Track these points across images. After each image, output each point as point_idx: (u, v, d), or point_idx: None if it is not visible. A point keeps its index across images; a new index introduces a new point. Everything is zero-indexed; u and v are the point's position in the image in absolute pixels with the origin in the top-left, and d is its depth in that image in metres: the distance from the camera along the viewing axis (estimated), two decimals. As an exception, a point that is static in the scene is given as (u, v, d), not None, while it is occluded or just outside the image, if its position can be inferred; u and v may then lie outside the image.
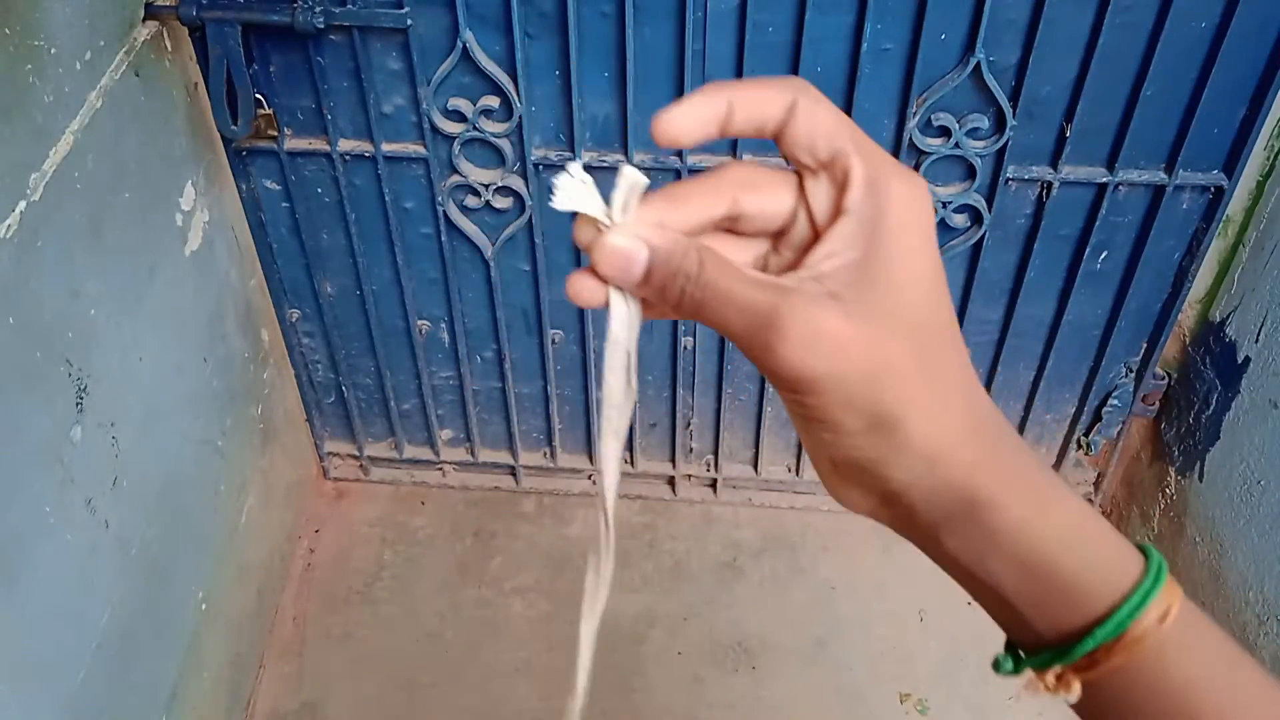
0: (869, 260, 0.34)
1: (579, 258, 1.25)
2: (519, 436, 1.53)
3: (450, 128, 1.16)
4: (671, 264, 0.35)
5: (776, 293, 0.34)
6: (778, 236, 0.38)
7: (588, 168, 1.20)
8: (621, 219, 0.35)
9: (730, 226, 0.37)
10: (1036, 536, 0.34)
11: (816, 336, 0.33)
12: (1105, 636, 0.34)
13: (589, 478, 1.58)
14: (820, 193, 0.36)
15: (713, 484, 1.58)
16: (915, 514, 0.36)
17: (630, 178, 0.35)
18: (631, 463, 1.57)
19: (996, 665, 0.39)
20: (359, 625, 1.45)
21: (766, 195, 0.36)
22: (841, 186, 0.35)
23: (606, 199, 0.35)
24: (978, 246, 1.24)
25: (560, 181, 0.34)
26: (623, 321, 0.36)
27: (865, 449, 0.35)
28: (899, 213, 0.34)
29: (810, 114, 0.36)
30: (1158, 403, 1.44)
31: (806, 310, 0.33)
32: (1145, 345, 1.36)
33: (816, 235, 0.36)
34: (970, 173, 1.17)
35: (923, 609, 1.45)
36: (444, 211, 1.24)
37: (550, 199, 0.34)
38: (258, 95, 1.13)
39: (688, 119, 0.35)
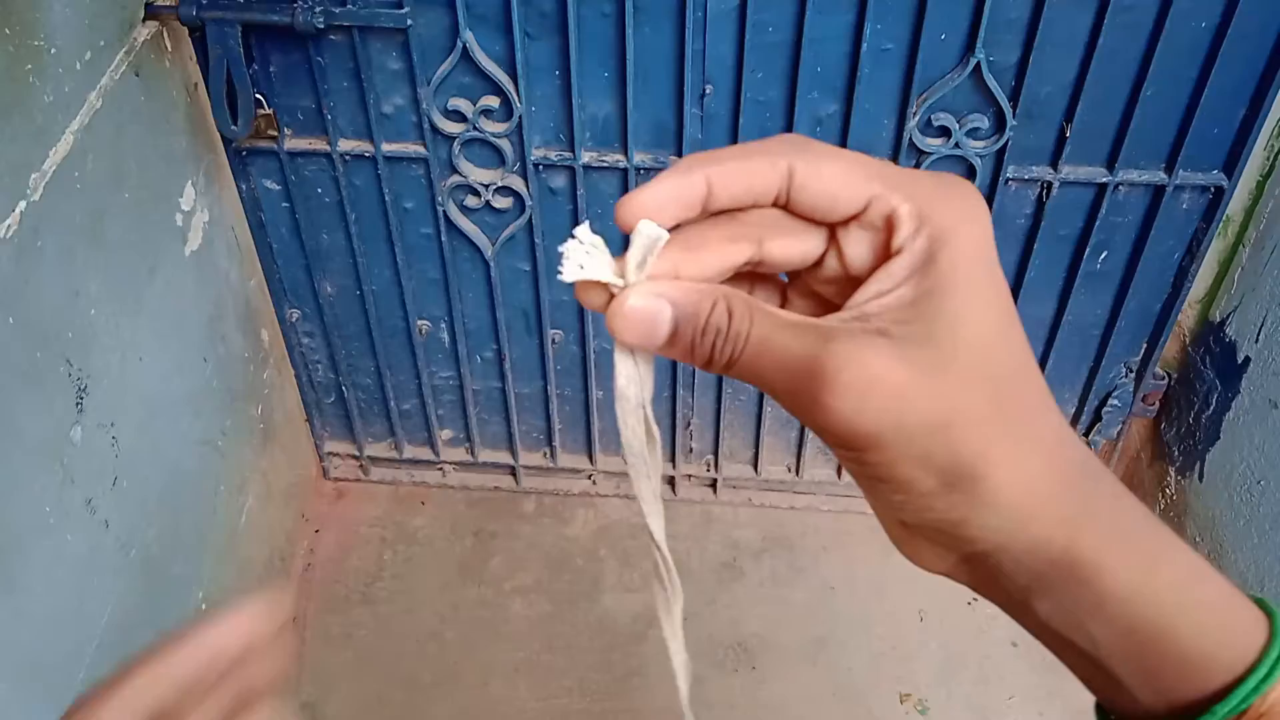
0: (925, 296, 0.30)
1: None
2: (519, 436, 1.53)
3: (450, 128, 1.16)
4: (698, 319, 0.31)
5: (818, 337, 0.30)
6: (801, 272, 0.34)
7: (589, 166, 1.20)
8: (637, 278, 0.31)
9: (750, 270, 0.33)
10: (1145, 601, 0.30)
11: (869, 384, 0.29)
12: (1228, 713, 0.30)
13: (589, 478, 1.58)
14: (856, 241, 0.32)
15: (713, 484, 1.58)
16: (1002, 575, 0.32)
17: (647, 233, 0.31)
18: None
19: None
20: (359, 625, 1.45)
21: (795, 240, 0.32)
22: (886, 230, 0.31)
23: (616, 254, 0.32)
24: (978, 246, 1.24)
25: (568, 248, 0.31)
26: (631, 379, 0.33)
27: (943, 510, 0.30)
28: (958, 243, 0.30)
29: (814, 176, 0.31)
30: (1158, 403, 1.44)
31: (856, 354, 0.29)
32: (1145, 345, 1.36)
33: (850, 275, 0.32)
34: (970, 173, 1.17)
35: (923, 609, 1.45)
36: (444, 211, 1.24)
37: (559, 271, 0.31)
38: (258, 95, 1.13)
39: (656, 202, 0.31)
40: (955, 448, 0.29)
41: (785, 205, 0.32)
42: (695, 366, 0.32)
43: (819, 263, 0.33)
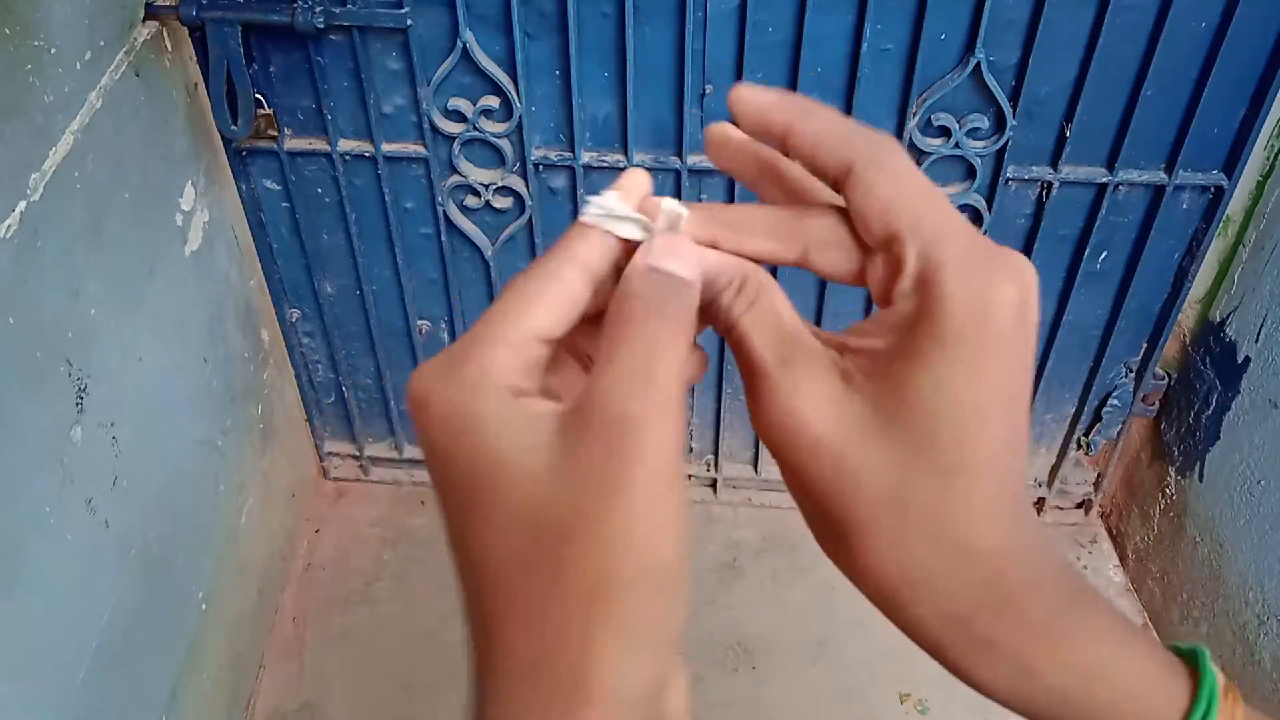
0: (900, 355, 0.30)
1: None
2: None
3: (450, 128, 1.16)
4: (711, 289, 0.32)
5: (782, 358, 0.31)
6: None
7: (589, 166, 1.20)
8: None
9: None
10: (1026, 700, 0.31)
11: (795, 426, 0.30)
12: None
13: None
14: (875, 272, 0.32)
15: (713, 484, 1.58)
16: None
17: (670, 209, 0.32)
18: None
19: None
20: (359, 625, 1.44)
21: (841, 254, 0.32)
22: (892, 273, 0.31)
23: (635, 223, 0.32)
24: (978, 246, 1.24)
25: (598, 199, 0.32)
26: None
27: (833, 558, 0.32)
28: (956, 323, 0.29)
29: (864, 184, 0.31)
30: (1158, 403, 1.44)
31: (796, 394, 0.30)
32: (1145, 345, 1.36)
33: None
34: (970, 173, 1.17)
35: (923, 609, 1.45)
36: (444, 211, 1.24)
37: (584, 209, 0.32)
38: (258, 95, 1.13)
39: (758, 104, 0.32)
40: (839, 507, 0.30)
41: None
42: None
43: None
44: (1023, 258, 0.30)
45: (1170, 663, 0.32)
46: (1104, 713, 0.31)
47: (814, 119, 0.32)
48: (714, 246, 0.32)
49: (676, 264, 0.31)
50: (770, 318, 0.32)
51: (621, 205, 0.32)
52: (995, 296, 0.29)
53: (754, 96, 0.32)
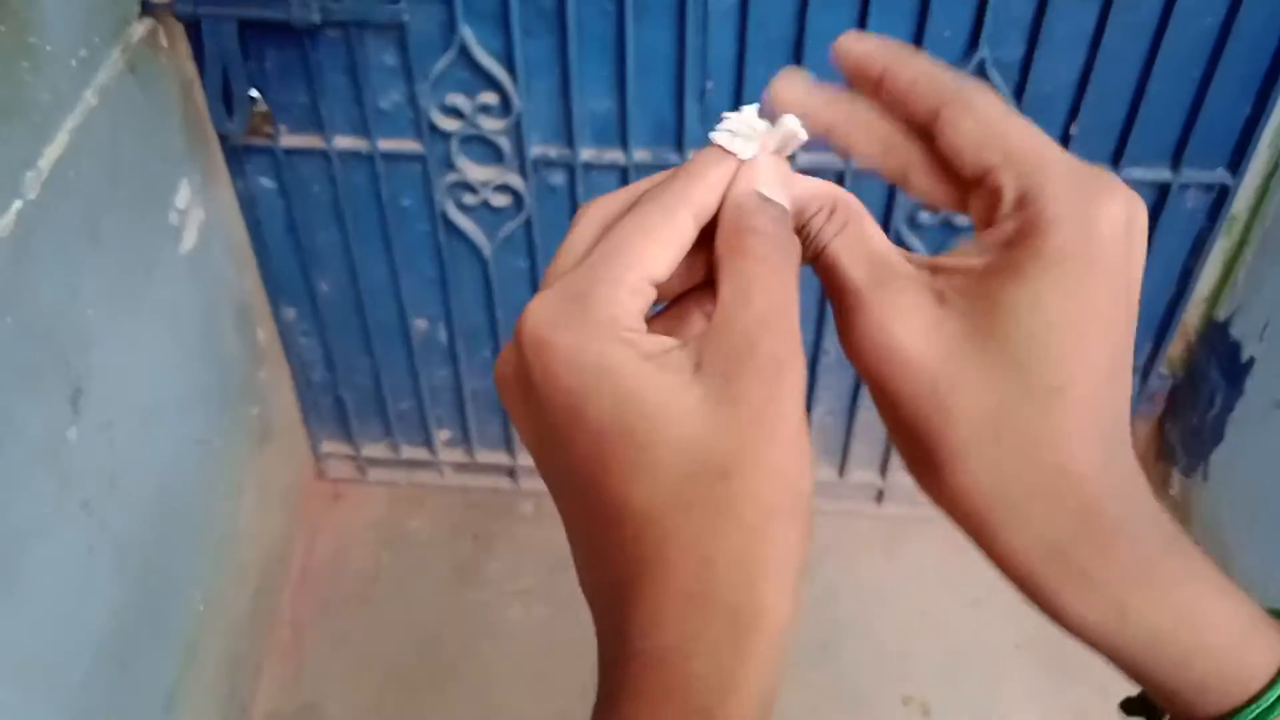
0: (995, 273, 0.30)
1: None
2: (517, 437, 1.52)
3: (448, 125, 1.15)
4: (801, 215, 0.32)
5: (875, 280, 0.31)
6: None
7: (588, 164, 1.19)
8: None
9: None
10: (1115, 638, 0.31)
11: (886, 341, 0.30)
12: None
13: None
14: (975, 204, 0.32)
15: (713, 484, 1.57)
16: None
17: (789, 126, 0.33)
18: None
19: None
20: (357, 627, 1.44)
21: (941, 183, 0.33)
22: (992, 201, 0.31)
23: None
24: (980, 245, 1.23)
25: (733, 119, 0.33)
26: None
27: (923, 481, 0.31)
28: (1059, 238, 0.29)
29: (953, 122, 0.31)
30: (1162, 403, 1.43)
31: (891, 309, 0.30)
32: (1150, 345, 1.35)
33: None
34: (973, 171, 1.16)
35: (925, 611, 1.44)
36: (441, 209, 1.23)
37: (714, 129, 0.32)
38: (253, 92, 1.12)
39: (861, 48, 0.33)
40: (931, 431, 0.30)
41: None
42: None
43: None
44: (1116, 183, 0.30)
45: (1264, 617, 0.31)
46: (1195, 657, 0.30)
47: (908, 65, 0.32)
48: (826, 135, 0.33)
49: (779, 192, 0.32)
50: (861, 241, 0.32)
51: (758, 123, 0.33)
52: (1100, 213, 0.29)
53: (854, 44, 0.33)
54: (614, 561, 0.29)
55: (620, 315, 0.28)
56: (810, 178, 0.33)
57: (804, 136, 0.33)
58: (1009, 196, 0.30)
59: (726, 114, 0.32)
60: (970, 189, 0.32)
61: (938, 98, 0.31)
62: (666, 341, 0.29)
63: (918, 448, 0.31)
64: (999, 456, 0.29)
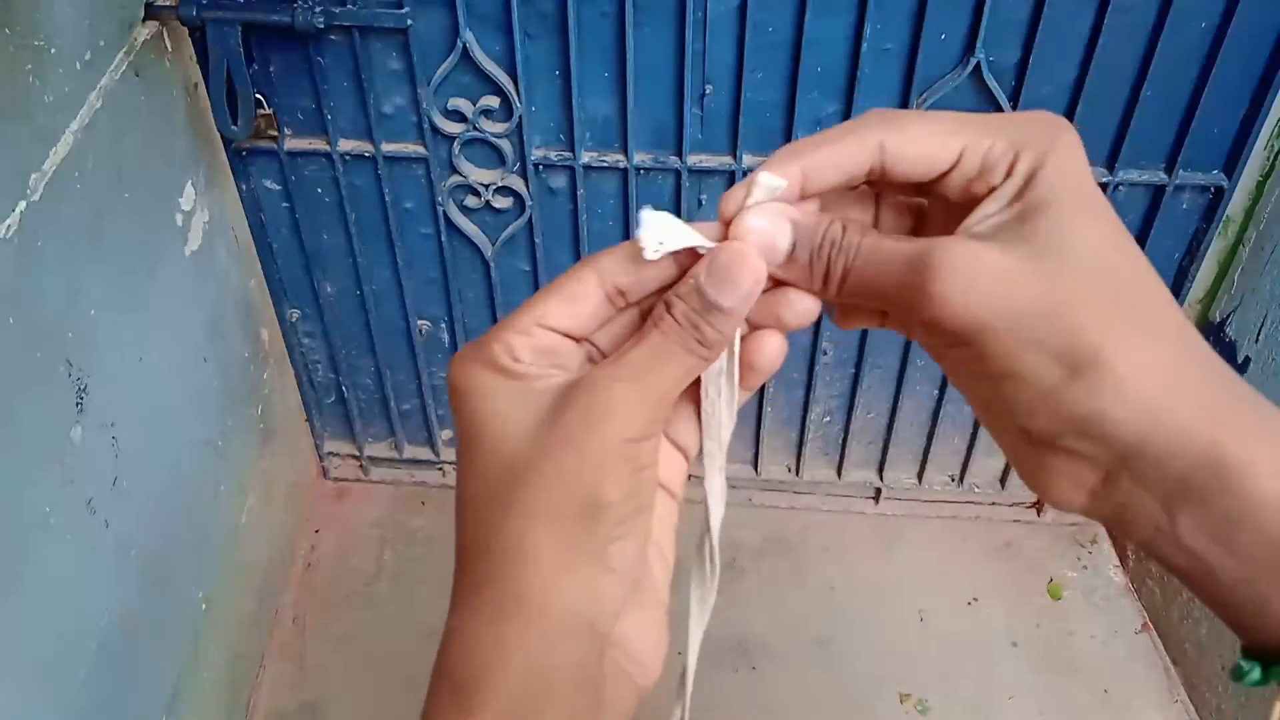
0: (1030, 213, 0.31)
1: (579, 258, 1.25)
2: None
3: (450, 128, 1.16)
4: (816, 234, 0.33)
5: (927, 242, 0.31)
6: (919, 221, 0.36)
7: (589, 166, 1.20)
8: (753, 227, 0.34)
9: (873, 183, 0.35)
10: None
11: (976, 269, 0.30)
12: None
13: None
14: (957, 188, 0.33)
15: (713, 484, 1.57)
16: (1145, 490, 0.30)
17: (766, 184, 0.33)
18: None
19: (1238, 674, 0.31)
20: (359, 625, 1.44)
21: (918, 143, 0.33)
22: (982, 170, 0.32)
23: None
24: (978, 246, 1.24)
25: (644, 229, 0.33)
26: (721, 372, 0.36)
27: (1071, 403, 0.30)
28: (1056, 166, 0.31)
29: (906, 142, 0.33)
30: (1158, 403, 1.43)
31: (962, 248, 0.30)
32: (1145, 345, 1.36)
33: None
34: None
35: (923, 609, 1.45)
36: (444, 211, 1.24)
37: (642, 248, 0.33)
38: (258, 95, 1.13)
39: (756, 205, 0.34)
40: (1072, 333, 0.29)
41: (880, 179, 0.34)
42: (811, 290, 0.34)
43: (920, 224, 0.36)
44: (1051, 115, 0.33)
45: None
46: None
47: (813, 151, 0.33)
48: (804, 190, 0.34)
49: (770, 231, 0.33)
50: (875, 238, 0.33)
51: (676, 231, 0.33)
52: (1072, 145, 0.32)
53: (743, 196, 0.34)
54: (456, 557, 0.34)
55: (499, 351, 0.33)
56: (802, 205, 0.34)
57: (784, 183, 0.33)
58: (1000, 150, 0.32)
59: (638, 232, 0.33)
60: (937, 185, 0.33)
61: (864, 144, 0.33)
62: (544, 382, 0.33)
63: (1065, 365, 0.30)
64: (1144, 334, 0.30)
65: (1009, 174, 0.32)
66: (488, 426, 0.33)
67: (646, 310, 0.35)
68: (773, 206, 0.33)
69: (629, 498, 0.32)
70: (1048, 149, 0.31)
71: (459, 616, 0.33)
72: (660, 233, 0.33)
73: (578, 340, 0.34)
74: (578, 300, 0.34)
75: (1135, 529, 0.31)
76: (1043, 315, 0.29)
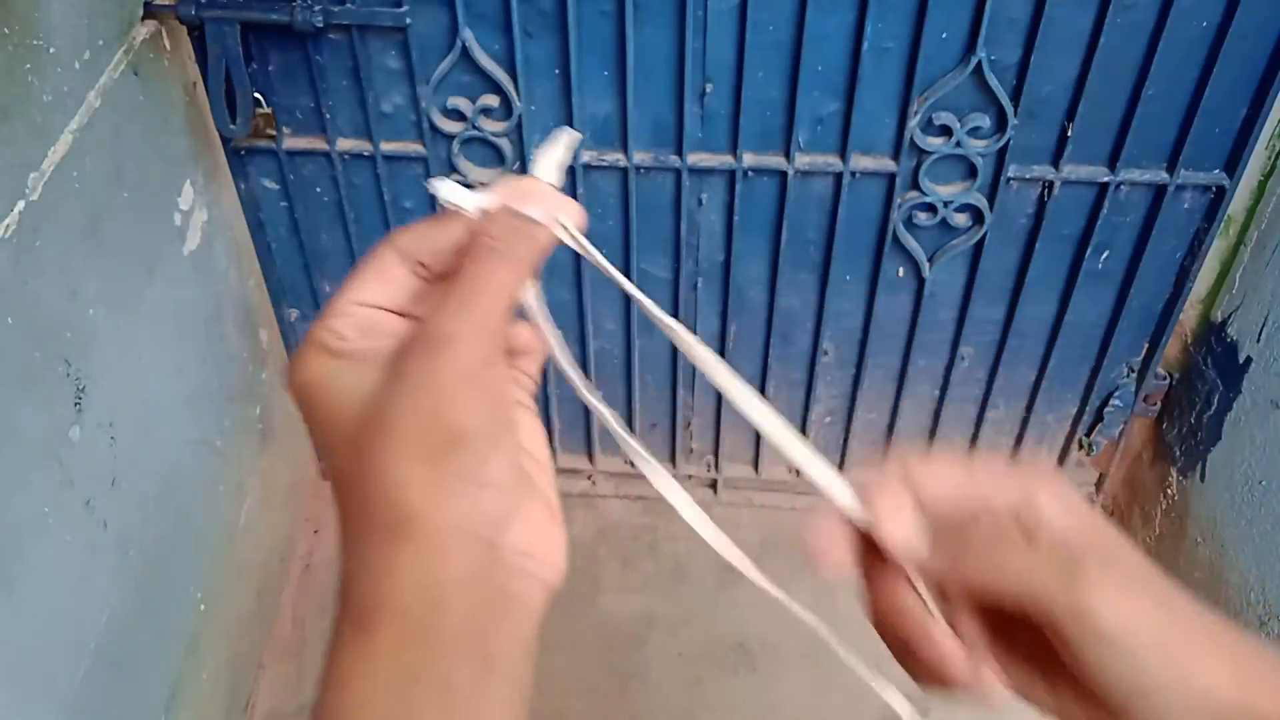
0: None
1: (579, 258, 1.24)
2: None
3: (449, 127, 1.16)
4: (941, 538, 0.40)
5: (1066, 576, 0.38)
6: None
7: (589, 165, 1.19)
8: (557, 177, 0.38)
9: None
10: None
11: (1120, 592, 0.36)
12: None
13: (588, 478, 1.58)
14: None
15: (713, 484, 1.57)
16: None
17: (563, 139, 0.38)
18: (631, 463, 1.56)
19: None
20: (358, 626, 1.44)
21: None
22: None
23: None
24: (979, 246, 1.23)
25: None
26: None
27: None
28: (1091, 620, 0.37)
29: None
30: (1159, 403, 1.43)
31: (1106, 572, 0.37)
32: (1147, 345, 1.36)
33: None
34: (971, 172, 1.17)
35: (923, 609, 1.44)
36: (443, 211, 1.23)
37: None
38: (256, 94, 1.13)
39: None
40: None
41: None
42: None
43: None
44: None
45: None
46: None
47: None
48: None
49: (535, 209, 0.36)
50: (992, 543, 0.39)
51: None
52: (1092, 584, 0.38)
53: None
54: (339, 510, 0.36)
55: (326, 336, 0.35)
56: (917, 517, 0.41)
57: (579, 135, 0.36)
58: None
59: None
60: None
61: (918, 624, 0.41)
62: (372, 350, 0.35)
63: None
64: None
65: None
66: (333, 402, 0.35)
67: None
68: (546, 192, 0.38)
69: (487, 422, 0.34)
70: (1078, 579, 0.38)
71: (351, 562, 0.35)
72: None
73: (399, 315, 0.37)
74: (385, 277, 0.37)
75: None
76: (1155, 648, 0.37)
